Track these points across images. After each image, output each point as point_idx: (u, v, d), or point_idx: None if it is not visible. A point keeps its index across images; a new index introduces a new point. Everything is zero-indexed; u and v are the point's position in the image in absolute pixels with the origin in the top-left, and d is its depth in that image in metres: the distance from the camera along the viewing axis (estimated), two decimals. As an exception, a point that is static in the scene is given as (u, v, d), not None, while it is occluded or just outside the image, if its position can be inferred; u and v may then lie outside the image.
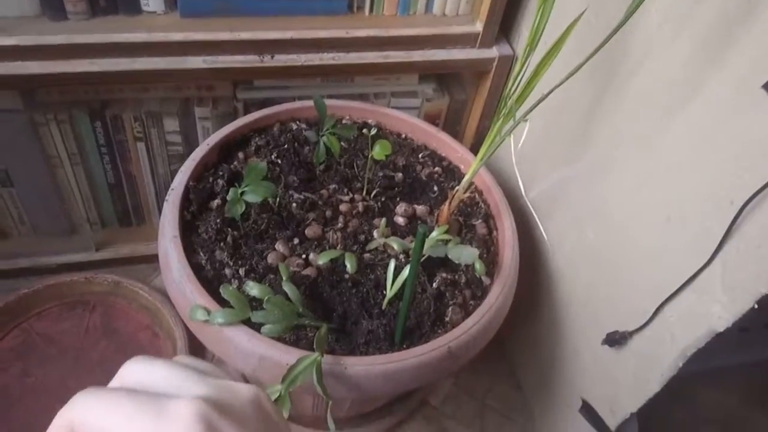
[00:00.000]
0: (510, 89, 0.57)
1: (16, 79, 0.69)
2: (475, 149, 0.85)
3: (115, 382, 0.25)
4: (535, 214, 0.79)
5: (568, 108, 0.74)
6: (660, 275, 0.61)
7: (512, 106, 0.56)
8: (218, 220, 0.68)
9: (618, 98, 0.66)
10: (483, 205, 0.78)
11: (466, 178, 0.68)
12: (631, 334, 0.65)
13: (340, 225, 0.72)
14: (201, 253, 0.65)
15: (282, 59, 0.77)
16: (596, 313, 0.72)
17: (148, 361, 0.25)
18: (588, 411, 0.76)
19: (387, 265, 0.66)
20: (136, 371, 0.25)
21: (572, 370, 0.79)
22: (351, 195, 0.76)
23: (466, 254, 0.65)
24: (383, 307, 0.65)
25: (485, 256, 0.72)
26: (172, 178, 0.92)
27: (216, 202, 0.70)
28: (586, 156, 0.72)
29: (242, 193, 0.64)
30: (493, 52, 0.85)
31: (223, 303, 0.59)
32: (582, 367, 0.77)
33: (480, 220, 0.76)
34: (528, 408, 0.94)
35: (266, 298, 0.56)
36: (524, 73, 0.56)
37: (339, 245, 0.70)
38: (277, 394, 0.53)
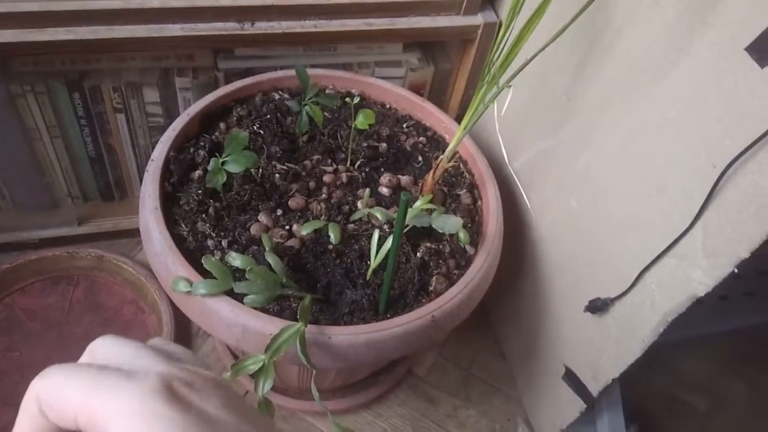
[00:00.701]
0: (493, 55, 0.56)
1: (-12, 48, 0.68)
2: (460, 119, 0.84)
3: (84, 358, 0.26)
4: (519, 183, 0.79)
5: (552, 75, 0.74)
6: (641, 242, 0.61)
7: (495, 73, 0.55)
8: (200, 192, 0.67)
9: (601, 64, 0.65)
10: (467, 175, 0.78)
11: (450, 147, 0.68)
12: (612, 301, 0.65)
13: (323, 196, 0.71)
14: (182, 225, 0.65)
15: (262, 26, 0.76)
16: (578, 281, 0.73)
17: (118, 339, 0.26)
18: (571, 378, 0.77)
19: (371, 235, 0.65)
20: (104, 346, 0.25)
21: (555, 338, 0.80)
22: (335, 166, 0.75)
23: (450, 223, 0.65)
24: (367, 278, 0.65)
25: (470, 225, 0.72)
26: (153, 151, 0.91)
27: (197, 173, 0.69)
28: (570, 124, 0.72)
29: (223, 163, 0.63)
30: (478, 19, 0.84)
31: (205, 274, 0.59)
32: (565, 334, 0.78)
33: (464, 190, 0.76)
34: (512, 376, 0.96)
35: (249, 268, 0.56)
36: (508, 38, 0.55)
37: (323, 216, 0.69)
38: (261, 364, 0.53)
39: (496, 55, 0.57)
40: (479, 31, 0.85)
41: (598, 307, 0.67)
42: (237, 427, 0.22)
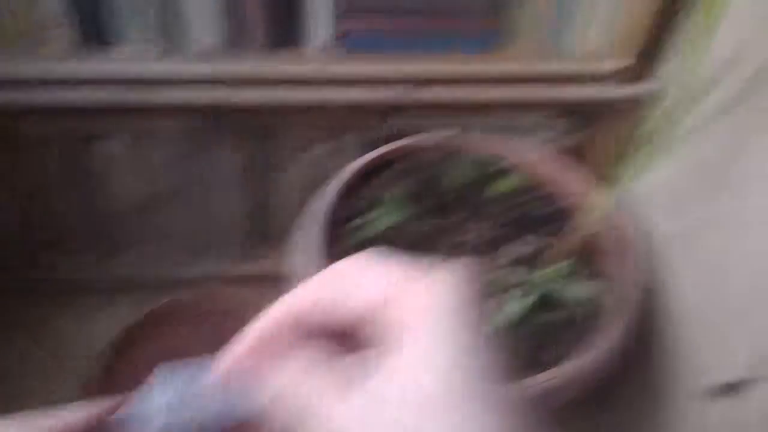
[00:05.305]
0: (652, 125, 0.58)
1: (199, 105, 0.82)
2: (602, 187, 0.86)
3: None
4: (660, 256, 0.79)
5: (710, 147, 0.72)
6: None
7: (653, 143, 0.57)
8: (355, 240, 0.76)
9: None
10: (605, 244, 0.79)
11: (591, 214, 0.70)
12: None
13: (463, 253, 0.77)
14: (339, 268, 0.73)
15: (426, 95, 0.84)
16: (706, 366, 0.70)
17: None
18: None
19: (501, 295, 0.69)
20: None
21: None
22: (475, 225, 0.80)
23: (581, 291, 0.67)
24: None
25: (602, 296, 0.73)
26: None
27: (355, 222, 0.78)
28: (721, 199, 0.70)
29: (381, 215, 0.71)
30: (634, 91, 0.86)
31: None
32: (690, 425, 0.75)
33: (601, 258, 0.77)
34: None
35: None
36: (670, 109, 0.57)
37: (461, 272, 0.75)
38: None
39: (655, 126, 0.59)
40: (634, 101, 0.86)
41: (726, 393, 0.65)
42: None
